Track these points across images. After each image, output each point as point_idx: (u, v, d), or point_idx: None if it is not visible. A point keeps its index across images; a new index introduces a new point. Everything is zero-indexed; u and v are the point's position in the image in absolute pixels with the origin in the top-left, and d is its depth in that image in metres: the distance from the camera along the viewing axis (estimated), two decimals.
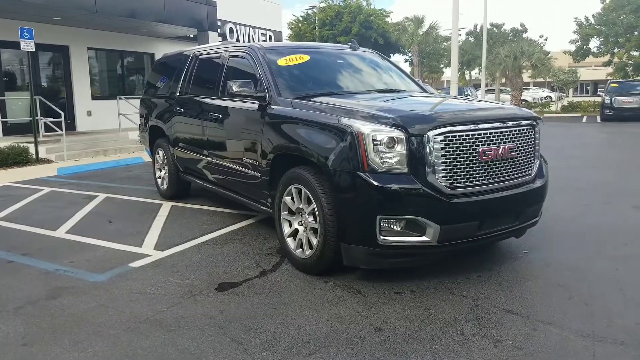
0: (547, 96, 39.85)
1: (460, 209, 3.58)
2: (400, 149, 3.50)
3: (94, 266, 4.36)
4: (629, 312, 3.33)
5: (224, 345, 2.97)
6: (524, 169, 3.98)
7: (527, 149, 3.99)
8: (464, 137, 3.58)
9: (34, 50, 10.31)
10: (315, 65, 4.98)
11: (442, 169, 3.53)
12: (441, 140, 3.51)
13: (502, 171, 3.79)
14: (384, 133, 3.50)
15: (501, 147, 3.74)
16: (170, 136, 6.48)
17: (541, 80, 39.84)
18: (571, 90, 45.01)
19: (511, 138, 3.83)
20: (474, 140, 3.61)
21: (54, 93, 13.77)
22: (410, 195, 3.48)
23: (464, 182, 3.61)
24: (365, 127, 3.54)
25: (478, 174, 3.66)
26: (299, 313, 3.38)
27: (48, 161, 10.82)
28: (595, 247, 4.66)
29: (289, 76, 4.74)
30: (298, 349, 2.92)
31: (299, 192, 4.02)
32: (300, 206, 4.04)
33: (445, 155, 3.53)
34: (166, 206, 6.53)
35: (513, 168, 3.88)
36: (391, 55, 35.13)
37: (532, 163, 4.07)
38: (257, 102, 4.61)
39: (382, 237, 3.52)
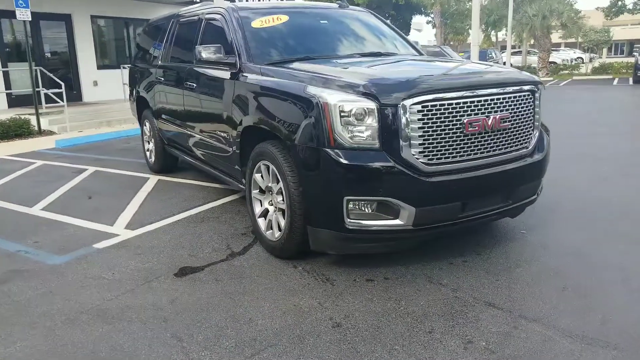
0: (579, 57, 37.91)
1: (439, 188, 3.16)
2: (371, 121, 3.08)
3: (57, 247, 4.12)
4: (629, 308, 2.90)
5: (162, 342, 2.68)
6: (519, 141, 3.50)
7: (524, 118, 3.50)
8: (445, 106, 3.12)
9: (30, 19, 10.04)
10: (294, 27, 4.51)
11: (420, 144, 3.09)
12: (418, 111, 3.06)
13: (492, 144, 3.33)
14: (352, 103, 3.07)
15: (491, 117, 3.27)
16: (153, 107, 6.16)
17: (573, 40, 37.92)
18: (605, 51, 42.78)
19: (504, 106, 3.35)
20: (457, 109, 3.15)
21: (59, 63, 13.56)
22: (380, 174, 3.07)
23: (446, 158, 3.17)
24: (331, 97, 3.11)
25: (463, 148, 3.22)
26: (255, 304, 3.06)
27: (50, 133, 10.69)
28: (604, 227, 4.18)
29: (263, 40, 4.30)
30: (241, 348, 2.61)
31: (268, 169, 3.66)
32: (269, 184, 3.68)
33: (424, 127, 3.08)
34: (152, 180, 6.27)
35: (506, 141, 3.41)
36: (412, 16, 33.70)
37: (530, 135, 3.59)
38: (228, 69, 4.20)
39: (349, 220, 3.15)
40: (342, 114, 3.07)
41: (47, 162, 7.75)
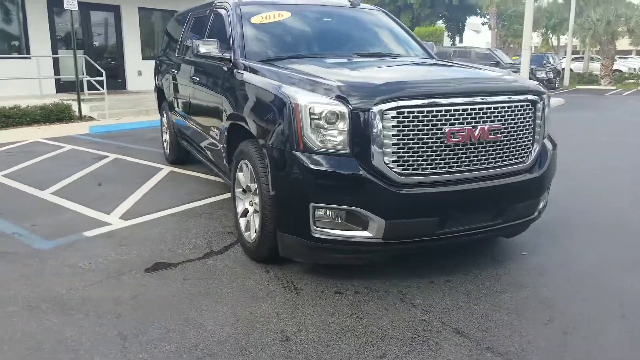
0: None
1: (413, 201, 2.95)
2: (342, 125, 2.90)
3: (50, 232, 4.20)
4: (616, 353, 2.59)
5: (107, 339, 2.64)
6: (514, 155, 3.23)
7: (521, 130, 3.22)
8: (424, 113, 2.90)
9: (76, 9, 10.40)
10: (295, 24, 4.37)
11: (394, 152, 2.89)
12: (393, 117, 2.86)
13: (479, 157, 3.08)
14: (323, 106, 2.91)
15: (478, 128, 3.01)
16: (168, 99, 6.21)
17: None
18: None
19: (495, 117, 3.08)
20: (438, 117, 2.92)
21: (106, 53, 14.06)
22: (347, 182, 2.90)
23: (423, 169, 2.96)
24: (302, 98, 2.97)
25: (444, 159, 2.99)
26: (212, 307, 2.97)
27: (90, 119, 11.08)
28: (616, 252, 3.81)
29: (260, 36, 4.20)
30: (180, 354, 2.52)
31: (247, 168, 3.56)
32: (249, 184, 3.58)
33: (398, 135, 2.88)
34: (164, 171, 6.32)
35: (497, 154, 3.14)
36: (467, 18, 32.67)
37: (529, 148, 3.30)
38: (224, 65, 4.13)
39: (315, 228, 2.99)
40: (312, 116, 2.92)
41: (75, 147, 8.01)
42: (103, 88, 11.36)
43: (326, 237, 3.00)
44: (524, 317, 2.89)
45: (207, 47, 4.10)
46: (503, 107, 3.11)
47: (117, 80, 13.90)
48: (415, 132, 2.90)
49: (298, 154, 2.96)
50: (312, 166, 2.91)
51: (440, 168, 2.99)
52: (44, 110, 10.29)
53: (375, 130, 2.86)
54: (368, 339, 2.66)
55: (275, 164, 3.11)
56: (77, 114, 10.92)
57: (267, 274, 3.42)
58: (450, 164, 3.01)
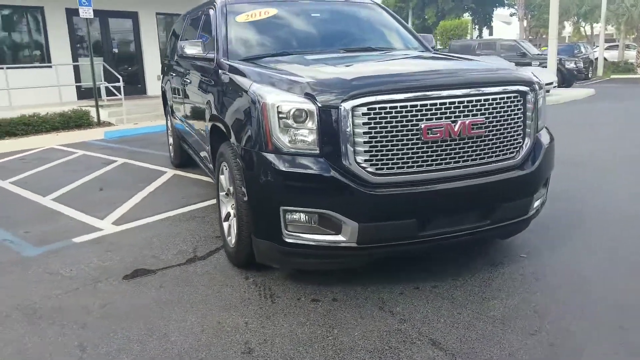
0: None
1: (387, 202, 2.76)
2: (310, 124, 2.75)
3: (41, 238, 4.20)
4: None
5: (65, 351, 2.56)
6: (502, 151, 3.00)
7: (508, 124, 2.99)
8: (397, 109, 2.71)
9: (92, 16, 10.54)
10: (281, 21, 4.23)
11: (366, 151, 2.72)
12: (364, 114, 2.69)
13: (460, 154, 2.87)
14: (290, 104, 2.76)
15: (458, 123, 2.80)
16: (169, 102, 6.18)
17: None
18: None
19: (478, 110, 2.87)
20: (413, 113, 2.73)
21: (125, 58, 14.27)
22: (317, 184, 2.74)
23: (399, 168, 2.77)
24: (270, 96, 2.83)
25: (421, 157, 2.79)
26: (180, 317, 2.86)
27: (109, 124, 11.24)
28: (624, 255, 3.51)
29: (245, 35, 4.08)
30: None
31: (227, 170, 3.44)
32: (230, 187, 3.47)
33: (370, 132, 2.70)
34: (167, 175, 6.30)
35: (482, 150, 2.93)
36: (494, 9, 31.79)
37: (519, 143, 3.06)
38: (209, 65, 4.04)
39: (287, 232, 2.85)
40: (280, 115, 2.78)
41: (87, 152, 8.11)
42: (120, 94, 11.51)
43: (299, 241, 2.85)
44: (509, 327, 2.67)
45: (192, 48, 4.02)
46: (487, 100, 2.89)
47: (137, 86, 14.10)
48: (389, 129, 2.71)
49: (267, 155, 2.82)
50: (280, 168, 2.77)
51: (418, 167, 2.80)
52: (62, 117, 10.49)
53: (345, 128, 2.69)
54: (335, 351, 2.50)
55: (246, 166, 2.99)
56: (95, 120, 11.09)
57: (246, 281, 3.29)
58: (429, 162, 2.81)
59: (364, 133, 2.70)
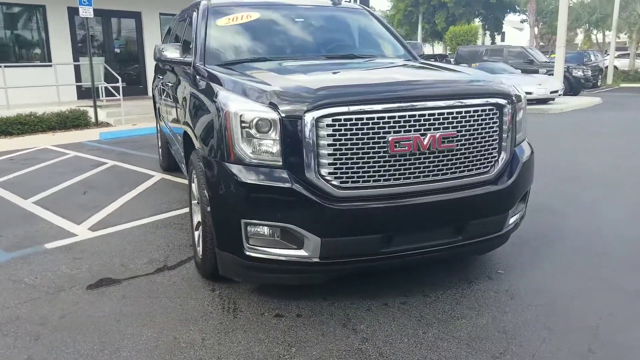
0: None
1: (351, 217, 2.66)
2: (274, 134, 2.66)
3: (13, 244, 4.13)
4: None
5: None
6: (474, 165, 2.89)
7: (482, 138, 2.88)
8: (363, 120, 2.61)
9: (92, 16, 10.55)
10: (262, 26, 4.13)
11: (330, 164, 2.62)
12: (328, 125, 2.59)
13: (430, 168, 2.76)
14: (253, 113, 2.67)
15: (428, 136, 2.70)
16: (156, 104, 6.12)
17: None
18: None
19: (449, 123, 2.76)
20: (380, 125, 2.63)
21: (127, 59, 14.28)
22: (278, 196, 2.65)
23: (364, 181, 2.67)
24: (233, 105, 2.74)
25: (388, 170, 2.69)
26: (136, 331, 2.77)
27: (107, 125, 11.22)
28: (604, 276, 3.39)
29: (224, 39, 3.99)
30: None
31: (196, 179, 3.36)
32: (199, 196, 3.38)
33: (334, 144, 2.61)
34: (155, 178, 6.23)
35: (453, 164, 2.82)
36: (504, 15, 31.50)
37: (493, 157, 2.95)
38: (186, 69, 3.96)
39: (249, 246, 2.76)
40: (243, 124, 2.69)
41: (79, 153, 8.07)
42: (119, 94, 11.49)
43: (260, 255, 2.76)
44: (474, 349, 2.56)
45: (170, 52, 3.95)
46: (459, 112, 2.78)
47: (138, 86, 14.09)
48: (354, 141, 2.61)
49: (229, 165, 2.73)
50: (242, 179, 2.67)
51: (385, 180, 2.70)
52: (59, 117, 10.49)
53: (309, 139, 2.59)
54: None
55: (209, 176, 2.90)
56: (93, 120, 11.08)
57: (212, 293, 3.20)
58: (396, 176, 2.71)
59: (328, 145, 2.60)
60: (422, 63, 3.94)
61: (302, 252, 2.70)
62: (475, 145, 2.86)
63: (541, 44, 37.64)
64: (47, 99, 11.90)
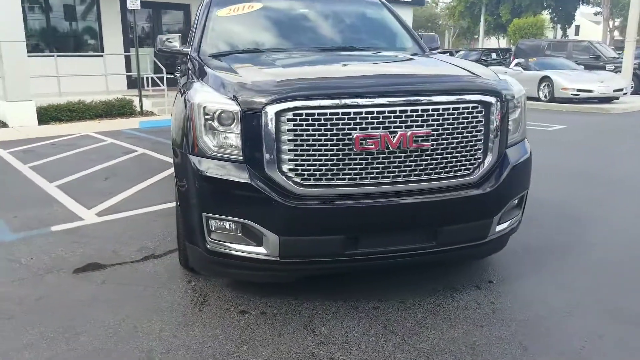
0: None
1: (311, 216, 2.56)
2: (236, 128, 2.60)
3: (23, 224, 4.33)
4: None
5: None
6: (453, 166, 2.70)
7: (464, 138, 2.68)
8: (327, 116, 2.49)
9: (139, 8, 10.90)
10: (263, 16, 4.07)
11: (291, 160, 2.53)
12: (289, 119, 2.50)
13: (401, 168, 2.61)
14: (216, 105, 2.62)
15: (398, 134, 2.54)
16: None
17: None
18: None
19: (424, 121, 2.58)
20: (345, 121, 2.50)
21: None
22: (237, 191, 2.59)
23: (328, 179, 2.56)
24: (198, 96, 2.70)
25: (353, 169, 2.56)
26: (103, 317, 2.81)
27: (152, 114, 11.61)
28: (599, 299, 3.08)
29: (221, 30, 3.96)
30: None
31: None
32: None
33: (296, 140, 2.51)
34: None
35: (427, 164, 2.64)
36: (577, 7, 29.60)
37: (477, 159, 2.75)
38: (184, 59, 3.97)
39: (211, 240, 2.72)
40: (206, 116, 2.64)
41: (115, 141, 8.38)
42: (164, 84, 11.84)
43: (222, 250, 2.71)
44: None
45: (168, 42, 3.98)
46: (436, 110, 2.60)
47: None
48: (316, 137, 2.50)
49: (192, 157, 2.70)
50: (202, 172, 2.64)
51: (350, 179, 2.57)
52: (106, 105, 10.95)
53: (269, 134, 2.51)
54: None
55: (176, 168, 2.89)
56: (138, 109, 11.48)
57: (187, 284, 3.21)
58: (363, 175, 2.57)
59: (289, 140, 2.51)
60: (426, 57, 3.72)
61: (262, 250, 2.63)
62: (454, 145, 2.66)
63: (619, 38, 35.18)
64: (97, 88, 12.45)
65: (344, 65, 3.19)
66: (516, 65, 16.52)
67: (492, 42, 48.08)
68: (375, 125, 2.52)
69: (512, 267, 3.44)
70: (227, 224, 2.67)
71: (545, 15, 36.16)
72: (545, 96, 14.67)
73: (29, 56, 9.99)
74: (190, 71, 3.44)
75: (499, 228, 2.91)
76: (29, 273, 3.39)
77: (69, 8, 13.12)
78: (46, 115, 10.26)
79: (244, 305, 2.94)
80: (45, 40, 13.03)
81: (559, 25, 37.03)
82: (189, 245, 2.93)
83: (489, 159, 2.77)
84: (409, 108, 2.56)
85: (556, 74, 14.63)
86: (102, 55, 12.67)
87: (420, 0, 24.42)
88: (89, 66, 12.38)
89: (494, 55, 27.09)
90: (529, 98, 15.25)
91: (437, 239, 2.73)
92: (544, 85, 14.74)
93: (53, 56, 11.56)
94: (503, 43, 42.18)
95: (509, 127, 2.90)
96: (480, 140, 2.73)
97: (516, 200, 3.02)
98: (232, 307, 2.92)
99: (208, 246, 2.72)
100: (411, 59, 3.52)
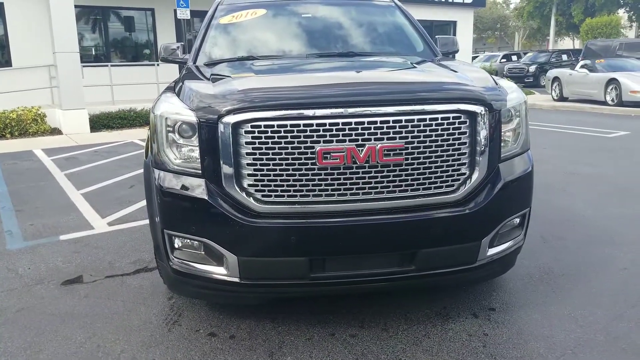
0: None
1: (272, 235, 2.37)
2: (195, 140, 2.46)
3: (36, 233, 4.44)
4: None
5: None
6: (432, 183, 2.41)
7: (443, 152, 2.38)
8: (287, 128, 2.29)
9: (189, 17, 11.18)
10: (265, 22, 3.91)
11: (250, 174, 2.35)
12: (247, 132, 2.32)
13: (371, 184, 2.36)
14: (175, 116, 2.49)
15: (366, 147, 2.30)
16: None
17: None
18: None
19: (396, 133, 2.32)
20: (307, 133, 2.29)
21: None
22: (194, 207, 2.44)
23: (290, 196, 2.35)
24: (160, 106, 2.58)
25: (318, 185, 2.34)
26: (71, 333, 2.75)
27: None
28: (623, 333, 2.66)
29: (221, 37, 3.84)
30: None
31: None
32: None
33: (254, 154, 2.33)
34: None
35: (401, 180, 2.37)
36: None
37: (462, 175, 2.44)
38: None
39: (174, 258, 2.59)
40: (167, 128, 2.51)
41: None
42: None
43: (184, 270, 2.58)
44: None
45: (170, 50, 3.94)
46: (410, 121, 2.32)
47: None
48: (277, 150, 2.31)
49: (155, 170, 2.58)
50: (162, 186, 2.51)
51: (314, 196, 2.35)
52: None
53: (226, 147, 2.34)
54: None
55: (145, 181, 2.79)
56: None
57: (168, 301, 3.11)
58: (328, 192, 2.35)
59: (248, 154, 2.33)
60: (429, 62, 3.39)
61: (222, 270, 2.47)
62: (433, 159, 2.38)
63: None
64: (150, 96, 12.86)
65: (317, 73, 2.98)
66: (582, 67, 15.45)
67: (566, 43, 45.56)
68: (340, 137, 2.29)
69: (521, 293, 3.06)
70: (189, 242, 2.54)
71: (622, 13, 33.78)
72: (612, 100, 13.59)
73: (84, 66, 10.48)
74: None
75: (491, 252, 2.58)
76: (20, 283, 3.42)
77: (128, 19, 13.72)
78: (98, 122, 10.73)
79: (215, 327, 2.79)
80: (101, 50, 13.69)
81: (638, 24, 34.44)
82: (159, 262, 2.82)
83: (477, 175, 2.46)
84: (377, 119, 2.30)
85: (624, 76, 13.51)
86: (154, 65, 13.11)
87: (481, 1, 23.49)
88: (143, 75, 12.83)
89: (564, 57, 25.62)
90: (596, 102, 14.19)
91: (416, 263, 2.45)
92: (611, 88, 13.66)
93: (107, 65, 12.08)
94: (578, 44, 39.82)
95: (505, 139, 2.57)
96: (464, 153, 2.42)
97: (516, 220, 2.68)
98: (203, 328, 2.78)
99: (171, 264, 2.60)
100: (404, 65, 3.24)
